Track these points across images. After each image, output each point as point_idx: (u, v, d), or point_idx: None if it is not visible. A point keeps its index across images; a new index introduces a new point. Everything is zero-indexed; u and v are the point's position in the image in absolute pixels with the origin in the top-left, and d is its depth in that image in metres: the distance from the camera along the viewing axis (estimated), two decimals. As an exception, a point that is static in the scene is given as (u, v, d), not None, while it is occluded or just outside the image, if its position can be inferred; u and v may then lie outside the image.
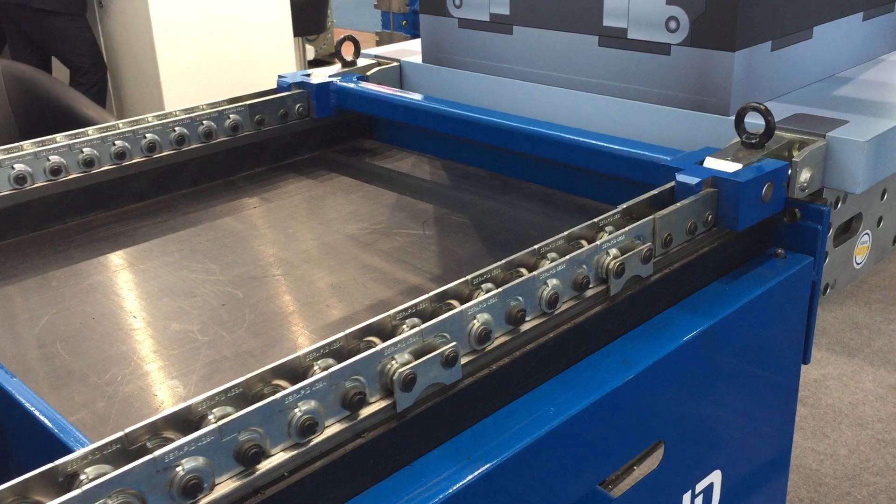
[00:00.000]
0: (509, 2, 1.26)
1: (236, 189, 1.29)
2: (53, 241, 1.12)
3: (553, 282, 0.76)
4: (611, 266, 0.80)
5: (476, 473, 0.67)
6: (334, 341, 0.65)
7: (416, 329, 0.67)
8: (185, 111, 1.26)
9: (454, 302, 0.73)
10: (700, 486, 0.96)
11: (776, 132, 1.00)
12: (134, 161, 1.20)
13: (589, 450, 0.78)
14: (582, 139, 1.07)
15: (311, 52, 5.75)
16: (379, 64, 1.46)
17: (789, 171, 0.96)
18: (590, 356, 0.82)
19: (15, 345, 0.89)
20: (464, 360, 0.69)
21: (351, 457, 0.63)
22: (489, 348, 0.71)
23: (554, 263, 0.76)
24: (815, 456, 2.35)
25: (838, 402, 2.57)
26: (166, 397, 0.79)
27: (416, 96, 1.29)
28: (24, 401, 0.71)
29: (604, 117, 1.18)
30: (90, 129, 1.17)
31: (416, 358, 0.65)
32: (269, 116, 1.32)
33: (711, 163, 0.95)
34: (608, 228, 0.85)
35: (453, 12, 1.34)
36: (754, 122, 0.97)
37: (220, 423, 0.56)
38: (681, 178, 0.91)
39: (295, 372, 0.63)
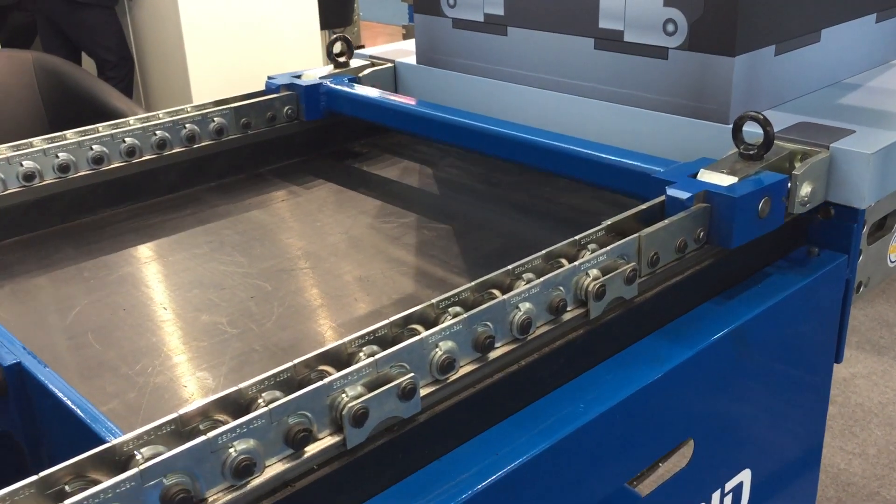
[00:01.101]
0: (504, 2, 1.21)
1: (266, 182, 1.28)
2: (85, 232, 1.13)
3: (526, 305, 0.71)
4: (590, 288, 0.75)
5: (505, 469, 0.67)
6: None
7: (377, 356, 0.62)
8: (168, 113, 1.23)
9: (418, 327, 0.69)
10: (730, 485, 0.96)
11: (777, 143, 0.95)
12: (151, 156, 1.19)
13: (619, 447, 0.78)
14: (570, 147, 1.02)
15: (337, 46, 5.75)
16: (373, 65, 1.41)
17: (789, 185, 0.90)
18: (620, 353, 0.81)
19: (47, 335, 0.90)
20: (424, 392, 0.65)
21: (386, 446, 0.64)
22: (453, 378, 0.67)
23: (527, 286, 0.71)
24: (843, 455, 2.30)
25: (867, 402, 2.53)
26: (196, 388, 0.80)
27: (403, 100, 1.24)
28: (56, 390, 0.71)
29: (599, 123, 1.13)
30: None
31: (370, 391, 0.61)
32: (255, 119, 1.28)
33: (705, 175, 0.90)
34: (591, 246, 0.80)
35: (447, 12, 1.29)
36: (754, 131, 0.91)
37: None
38: (671, 192, 0.86)
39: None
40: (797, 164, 0.93)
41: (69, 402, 0.69)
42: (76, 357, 0.86)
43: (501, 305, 0.69)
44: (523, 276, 0.75)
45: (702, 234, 0.85)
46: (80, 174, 1.12)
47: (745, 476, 0.97)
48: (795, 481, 1.09)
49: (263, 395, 0.60)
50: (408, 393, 0.62)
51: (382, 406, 0.61)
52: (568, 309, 0.75)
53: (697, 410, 0.86)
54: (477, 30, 1.26)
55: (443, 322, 0.68)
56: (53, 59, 3.21)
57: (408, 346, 0.63)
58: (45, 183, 1.10)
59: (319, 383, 0.59)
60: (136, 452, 0.54)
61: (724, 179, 0.88)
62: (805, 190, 0.91)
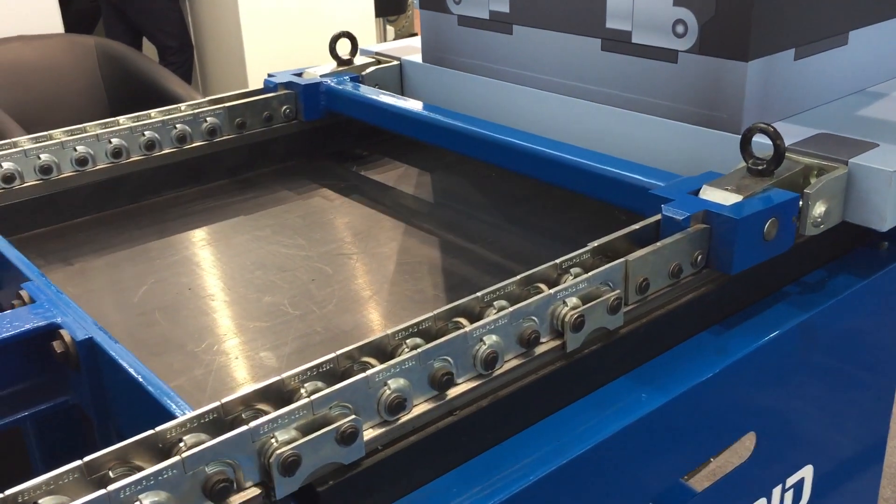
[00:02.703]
0: (509, -1, 1.14)
1: (325, 170, 1.29)
2: (149, 214, 1.16)
3: (492, 338, 0.65)
4: (567, 318, 0.68)
5: (565, 459, 0.66)
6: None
7: (312, 397, 0.57)
8: (162, 112, 1.18)
9: (373, 361, 0.63)
10: (791, 481, 0.94)
11: (791, 156, 0.87)
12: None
13: (679, 439, 0.77)
14: (566, 157, 0.96)
15: (391, 33, 5.77)
16: (378, 62, 1.36)
17: (800, 204, 0.82)
18: (685, 342, 0.79)
19: (116, 312, 0.92)
20: (370, 434, 0.59)
21: (442, 434, 0.63)
22: (405, 418, 0.61)
23: (493, 317, 0.65)
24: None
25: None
26: (260, 368, 0.82)
27: (396, 102, 1.19)
28: (127, 366, 0.71)
29: (605, 129, 1.06)
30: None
31: (304, 435, 0.56)
32: (251, 119, 1.23)
33: (707, 192, 0.82)
34: (574, 270, 0.74)
35: (453, 9, 1.23)
36: (765, 143, 0.84)
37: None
38: (667, 211, 0.79)
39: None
40: (812, 181, 0.85)
41: (140, 378, 0.69)
42: (144, 334, 0.88)
43: (463, 339, 0.63)
44: (494, 303, 0.69)
45: (700, 257, 0.78)
46: (133, 159, 1.14)
47: (806, 472, 0.95)
48: (857, 479, 1.07)
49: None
50: (347, 438, 0.57)
51: (318, 452, 0.56)
52: (542, 341, 0.69)
53: (760, 403, 0.85)
54: (482, 27, 1.19)
55: (399, 355, 0.62)
56: (115, 45, 3.27)
57: (350, 385, 0.58)
58: (102, 166, 1.11)
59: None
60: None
61: (727, 197, 0.81)
62: (818, 210, 0.83)
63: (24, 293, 0.82)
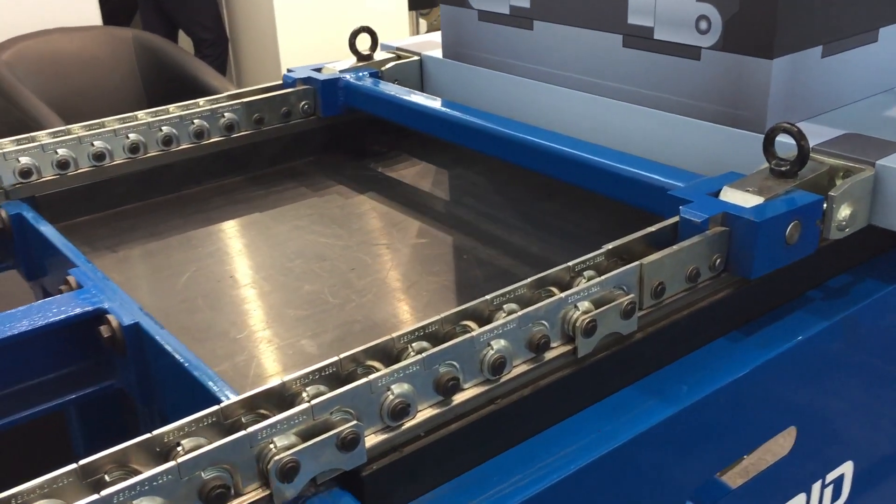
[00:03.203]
0: (530, -7, 1.12)
1: (360, 161, 1.30)
2: (192, 203, 1.18)
3: (500, 343, 0.63)
4: (578, 323, 0.67)
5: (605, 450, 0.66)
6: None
7: (312, 402, 0.56)
8: (180, 107, 1.18)
9: (378, 365, 0.62)
10: (831, 477, 0.93)
11: (816, 157, 0.85)
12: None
13: (719, 432, 0.76)
14: (584, 155, 0.94)
15: (423, 27, 5.78)
16: (399, 58, 1.34)
17: (824, 207, 0.80)
18: (725, 335, 0.78)
19: (161, 298, 0.94)
20: (371, 441, 0.58)
21: (486, 421, 0.63)
22: (409, 424, 0.60)
23: (501, 321, 0.64)
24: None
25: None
26: (300, 356, 0.82)
27: (417, 97, 1.17)
28: (173, 351, 0.72)
29: (626, 127, 1.04)
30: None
31: (303, 440, 0.54)
32: (269, 115, 1.22)
33: (728, 194, 0.80)
34: (587, 273, 0.72)
35: (473, 3, 1.21)
36: (789, 143, 0.81)
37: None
38: (685, 213, 0.77)
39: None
40: (838, 182, 0.83)
41: (186, 362, 0.70)
42: (188, 320, 0.89)
43: (469, 343, 0.62)
44: (504, 307, 0.68)
45: (718, 261, 0.76)
46: (182, 147, 1.15)
47: (846, 468, 0.94)
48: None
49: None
50: (349, 444, 0.55)
51: (315, 458, 0.55)
52: (553, 346, 0.67)
53: (802, 397, 0.84)
54: (502, 23, 1.18)
55: (405, 358, 0.61)
56: (152, 37, 3.31)
57: (350, 391, 0.56)
58: (150, 155, 1.12)
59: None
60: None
61: (748, 199, 0.78)
62: (843, 213, 0.81)
63: (71, 279, 0.83)
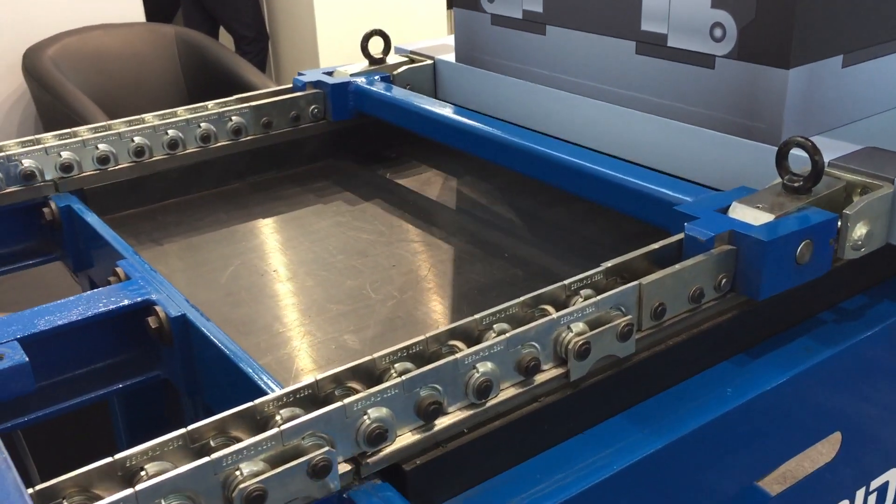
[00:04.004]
0: (543, -2, 1.09)
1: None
2: (235, 198, 1.19)
3: (486, 366, 0.61)
4: (571, 345, 0.64)
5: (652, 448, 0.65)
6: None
7: (283, 427, 0.53)
8: (189, 109, 1.17)
9: (358, 386, 0.59)
10: (875, 484, 0.92)
11: (833, 172, 0.81)
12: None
13: (764, 433, 0.75)
14: (589, 165, 0.91)
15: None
16: (412, 62, 1.32)
17: (839, 225, 0.76)
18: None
19: (204, 292, 0.95)
20: (346, 467, 0.56)
21: (526, 420, 0.63)
22: (388, 450, 0.57)
23: (488, 342, 0.61)
24: None
25: None
26: (343, 350, 0.83)
27: (424, 103, 1.15)
28: (219, 342, 0.73)
29: (638, 137, 1.00)
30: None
31: (272, 467, 0.52)
32: (277, 119, 1.21)
33: (737, 210, 0.77)
34: (584, 292, 0.69)
35: (486, 7, 1.18)
36: (804, 156, 0.78)
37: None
38: (690, 230, 0.73)
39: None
40: (855, 199, 0.79)
41: (232, 354, 0.71)
42: (232, 313, 0.90)
43: (453, 366, 0.59)
44: (494, 326, 0.65)
45: (724, 281, 0.72)
46: (219, 144, 1.16)
47: (892, 475, 0.93)
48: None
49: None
50: (320, 471, 0.53)
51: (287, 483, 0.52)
52: (544, 368, 0.64)
53: (847, 402, 0.83)
54: (515, 27, 1.15)
55: (387, 379, 0.59)
56: (194, 34, 3.35)
57: (325, 415, 0.54)
58: (188, 151, 1.13)
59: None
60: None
61: (757, 217, 0.75)
62: (859, 232, 0.77)
63: (119, 270, 0.85)
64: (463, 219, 1.13)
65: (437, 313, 0.89)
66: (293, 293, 0.94)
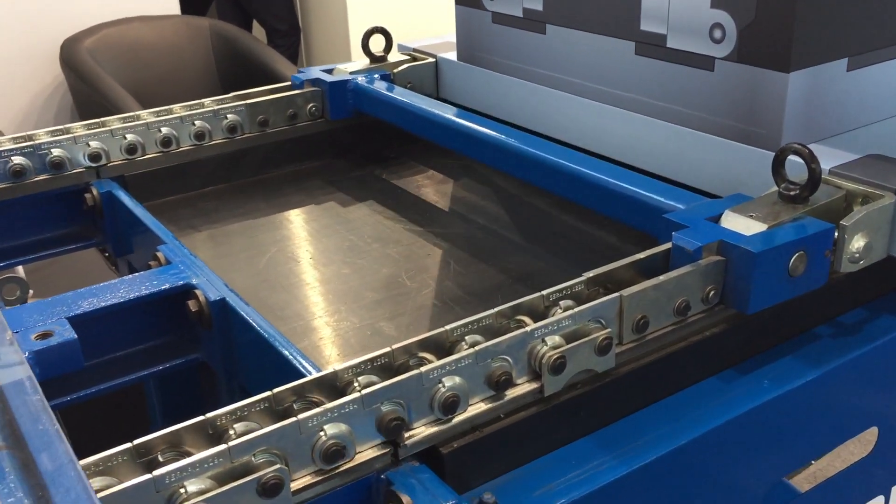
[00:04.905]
0: (543, -4, 1.06)
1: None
2: (272, 186, 1.20)
3: (454, 380, 0.58)
4: (545, 359, 0.61)
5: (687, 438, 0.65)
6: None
7: (230, 443, 0.51)
8: (184, 107, 1.15)
9: (322, 399, 0.57)
10: None
11: (833, 180, 0.78)
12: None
13: (801, 428, 0.74)
14: (580, 169, 0.88)
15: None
16: (414, 60, 1.30)
17: (835, 236, 0.73)
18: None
19: (242, 277, 0.96)
20: (301, 483, 0.54)
21: (565, 405, 0.64)
22: (346, 466, 0.55)
23: (454, 357, 0.59)
24: None
25: None
26: (378, 336, 0.84)
27: (420, 103, 1.12)
28: (258, 326, 0.74)
29: (636, 140, 0.97)
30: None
31: (219, 485, 0.50)
32: (274, 117, 1.19)
33: (729, 219, 0.74)
34: (564, 303, 0.66)
35: (487, 5, 1.16)
36: (803, 164, 0.74)
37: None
38: (678, 239, 0.71)
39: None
40: (856, 209, 0.76)
41: (270, 338, 0.72)
42: (269, 299, 0.91)
43: (417, 380, 0.57)
44: (466, 338, 0.63)
45: (712, 293, 0.69)
46: (245, 135, 1.17)
47: None
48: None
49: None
50: (270, 490, 0.51)
51: (235, 503, 0.51)
52: (518, 383, 0.62)
53: (885, 397, 0.82)
54: (516, 26, 1.12)
55: (350, 393, 0.57)
56: (228, 26, 3.38)
57: (279, 430, 0.52)
58: (215, 142, 1.14)
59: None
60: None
61: (749, 226, 0.72)
62: (857, 244, 0.74)
63: (160, 255, 0.86)
64: (503, 209, 1.13)
65: (473, 303, 0.89)
66: (329, 280, 0.95)
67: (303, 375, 0.59)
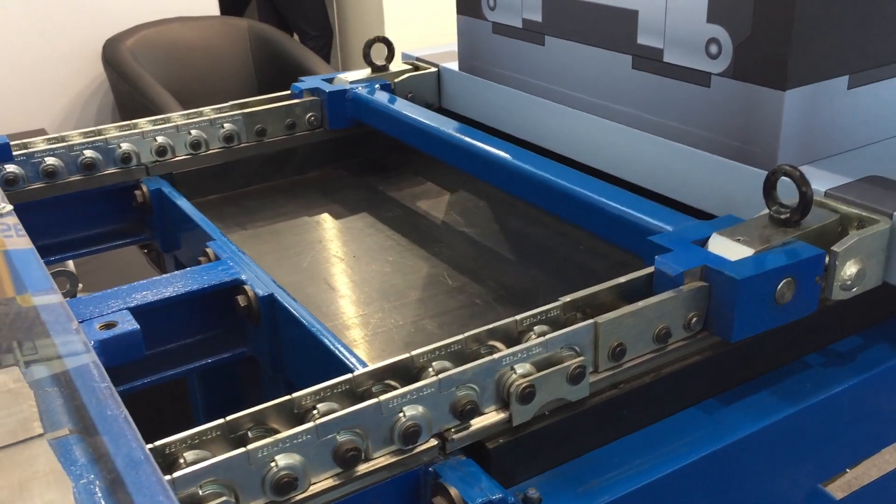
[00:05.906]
0: (542, 8, 1.04)
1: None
2: (315, 185, 1.22)
3: (416, 409, 0.57)
4: (513, 388, 0.59)
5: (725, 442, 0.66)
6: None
7: (175, 474, 0.50)
8: (184, 115, 1.14)
9: (277, 427, 0.56)
10: None
11: (827, 202, 0.75)
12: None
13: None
14: (569, 186, 0.86)
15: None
16: (416, 69, 1.28)
17: (826, 262, 0.70)
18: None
19: (289, 274, 0.98)
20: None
21: (607, 405, 0.65)
22: (297, 498, 0.54)
23: (416, 385, 0.57)
24: None
25: None
26: (421, 333, 0.85)
27: (415, 114, 1.11)
28: (306, 321, 0.75)
29: (631, 155, 0.95)
30: None
31: None
32: (272, 126, 1.18)
33: (716, 243, 0.71)
34: (538, 328, 0.64)
35: (488, 15, 1.14)
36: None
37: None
38: (660, 263, 0.68)
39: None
40: (851, 233, 0.73)
41: (318, 333, 0.74)
42: (314, 295, 0.93)
43: (375, 409, 0.55)
44: (434, 364, 0.61)
45: (695, 320, 0.67)
46: (276, 138, 1.19)
47: None
48: None
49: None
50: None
51: None
52: (486, 411, 0.60)
53: None
54: (515, 37, 1.10)
55: (308, 421, 0.55)
56: (266, 27, 3.44)
57: (227, 461, 0.51)
58: (275, 139, 1.18)
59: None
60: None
61: (735, 251, 0.69)
62: (849, 270, 0.71)
63: (209, 251, 0.88)
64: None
65: (512, 305, 0.90)
66: (372, 277, 0.96)
67: (350, 370, 0.61)
